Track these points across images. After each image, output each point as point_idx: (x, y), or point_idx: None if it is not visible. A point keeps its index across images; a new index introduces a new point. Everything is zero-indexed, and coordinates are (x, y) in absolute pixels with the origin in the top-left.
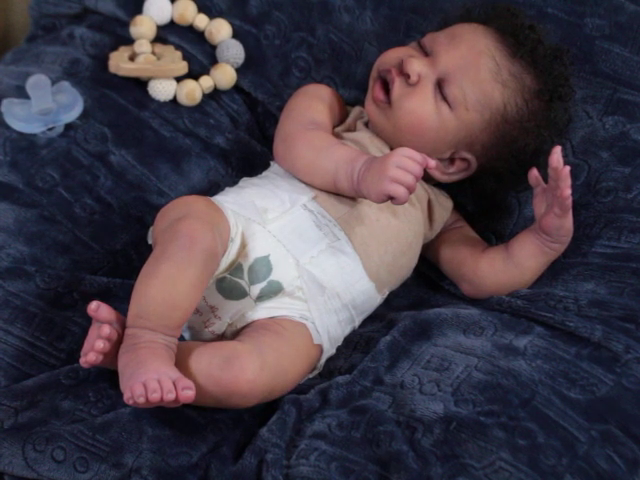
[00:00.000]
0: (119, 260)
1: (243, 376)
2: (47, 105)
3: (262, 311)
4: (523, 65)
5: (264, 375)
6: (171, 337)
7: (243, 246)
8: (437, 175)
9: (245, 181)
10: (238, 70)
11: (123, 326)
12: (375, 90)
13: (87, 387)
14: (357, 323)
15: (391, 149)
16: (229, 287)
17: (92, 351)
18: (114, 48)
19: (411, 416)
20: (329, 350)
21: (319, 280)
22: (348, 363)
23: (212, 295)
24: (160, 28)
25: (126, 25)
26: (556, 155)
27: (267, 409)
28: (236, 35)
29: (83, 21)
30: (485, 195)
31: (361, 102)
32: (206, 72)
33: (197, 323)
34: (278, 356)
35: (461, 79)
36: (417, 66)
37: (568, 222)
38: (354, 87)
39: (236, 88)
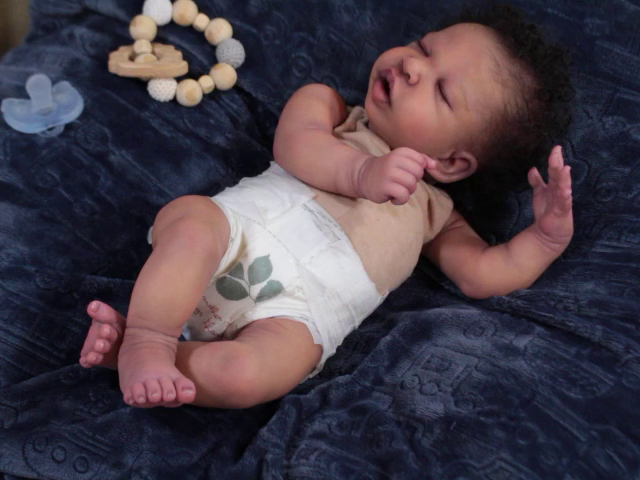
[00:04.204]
0: (119, 260)
1: (243, 376)
2: (47, 105)
3: (262, 311)
4: (523, 65)
5: (264, 375)
6: (171, 337)
7: (243, 246)
8: (437, 175)
9: (245, 181)
10: (238, 70)
11: (123, 326)
12: (375, 90)
13: (87, 387)
14: (357, 323)
15: (391, 149)
16: (229, 287)
17: (92, 351)
18: (114, 48)
19: (411, 416)
20: (329, 350)
21: (319, 280)
22: (348, 363)
23: (212, 295)
24: (160, 28)
25: (126, 25)
26: (556, 155)
27: (267, 409)
28: (236, 35)
29: (83, 21)
30: (485, 195)
31: (361, 102)
32: (206, 72)
33: (197, 323)
34: (278, 356)
35: (461, 79)
36: (417, 66)
37: (568, 222)
38: (354, 87)
39: (236, 88)
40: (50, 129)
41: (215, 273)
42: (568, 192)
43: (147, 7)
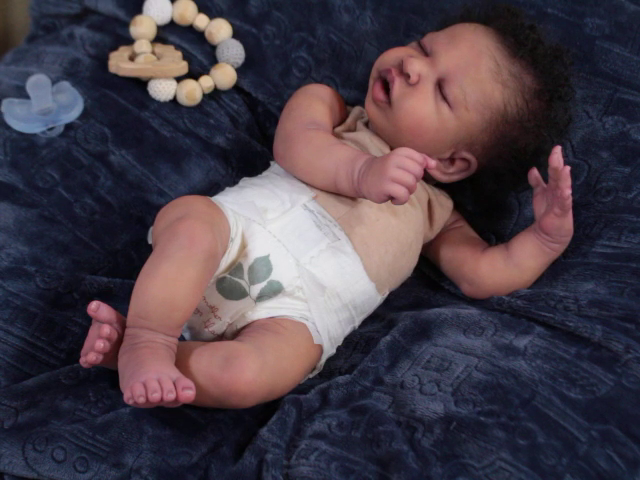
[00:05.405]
0: (119, 260)
1: (243, 376)
2: (47, 105)
3: (262, 311)
4: (523, 65)
5: (264, 375)
6: (171, 337)
7: (243, 246)
8: (437, 175)
9: (245, 181)
10: (238, 70)
11: (123, 326)
12: (375, 90)
13: (87, 387)
14: (357, 323)
15: (391, 149)
16: (229, 287)
17: (92, 351)
18: (114, 48)
19: (411, 416)
20: (329, 350)
21: (319, 280)
22: (348, 363)
23: (212, 295)
24: (160, 28)
25: (126, 25)
26: (556, 155)
27: (267, 409)
28: (236, 35)
29: (83, 21)
30: (485, 195)
31: (361, 102)
32: (206, 72)
33: (197, 323)
34: (278, 356)
35: (461, 79)
36: (417, 66)
37: (568, 222)
38: (354, 87)
39: (236, 88)
40: (50, 129)
41: (215, 273)
42: (568, 192)
43: (147, 7)
